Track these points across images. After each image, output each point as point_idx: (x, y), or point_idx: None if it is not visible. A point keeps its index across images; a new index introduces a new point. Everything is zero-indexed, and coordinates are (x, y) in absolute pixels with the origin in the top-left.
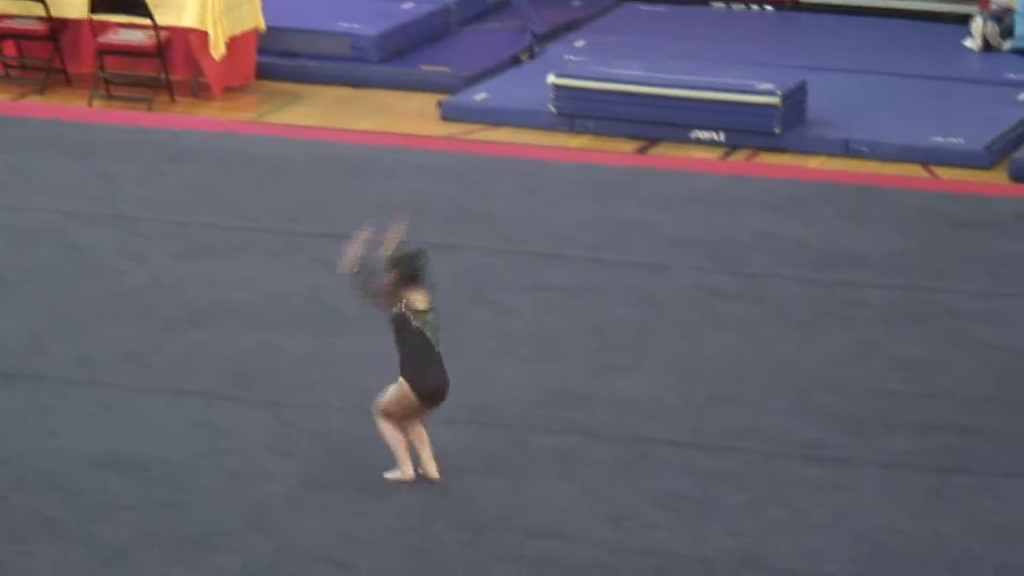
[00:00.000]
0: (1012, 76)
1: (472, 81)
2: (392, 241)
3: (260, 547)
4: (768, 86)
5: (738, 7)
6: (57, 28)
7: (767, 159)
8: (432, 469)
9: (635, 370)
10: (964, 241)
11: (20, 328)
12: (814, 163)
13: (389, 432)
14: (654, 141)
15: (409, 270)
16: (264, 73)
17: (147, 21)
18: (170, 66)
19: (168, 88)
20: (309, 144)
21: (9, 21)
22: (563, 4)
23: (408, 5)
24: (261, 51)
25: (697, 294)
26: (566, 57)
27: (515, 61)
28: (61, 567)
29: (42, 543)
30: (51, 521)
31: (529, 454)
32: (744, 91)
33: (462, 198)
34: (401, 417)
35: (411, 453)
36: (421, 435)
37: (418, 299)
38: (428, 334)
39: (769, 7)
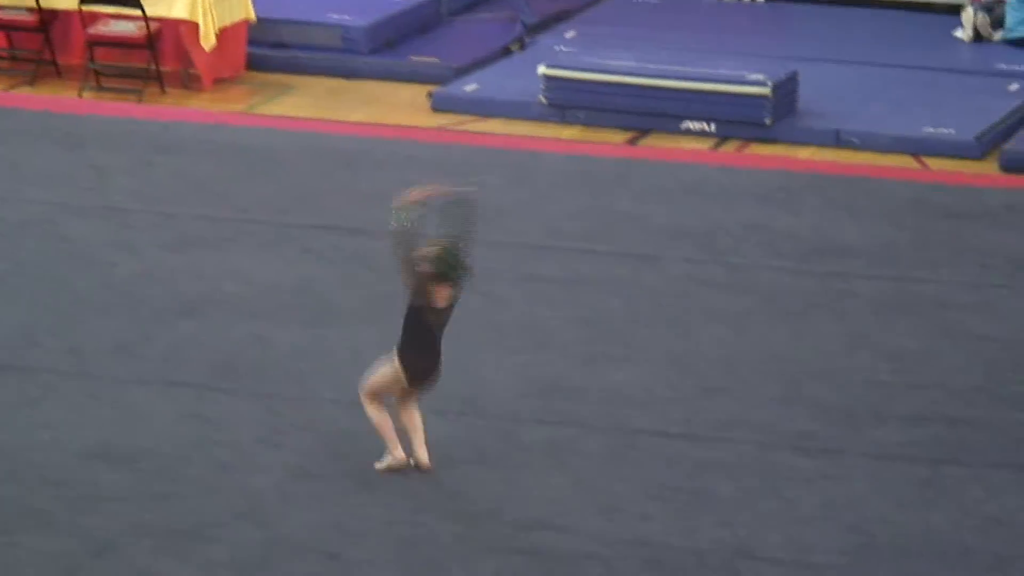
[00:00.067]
0: (1003, 67)
1: (462, 72)
2: (453, 219)
3: (251, 539)
4: (759, 77)
5: None
6: (47, 19)
7: (758, 150)
8: (423, 454)
9: (626, 361)
10: (955, 232)
11: (10, 320)
12: (805, 154)
13: (376, 415)
14: (645, 132)
15: (442, 270)
16: (254, 64)
17: (137, 12)
18: (160, 57)
19: (158, 79)
20: (299, 135)
21: None
22: None
23: None
24: (251, 42)
25: (688, 285)
26: (557, 48)
27: (506, 52)
28: (51, 559)
29: (32, 535)
30: (41, 513)
31: (520, 446)
32: (735, 82)
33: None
34: (386, 393)
35: (403, 442)
36: (414, 418)
37: (442, 297)
38: (436, 332)
39: None
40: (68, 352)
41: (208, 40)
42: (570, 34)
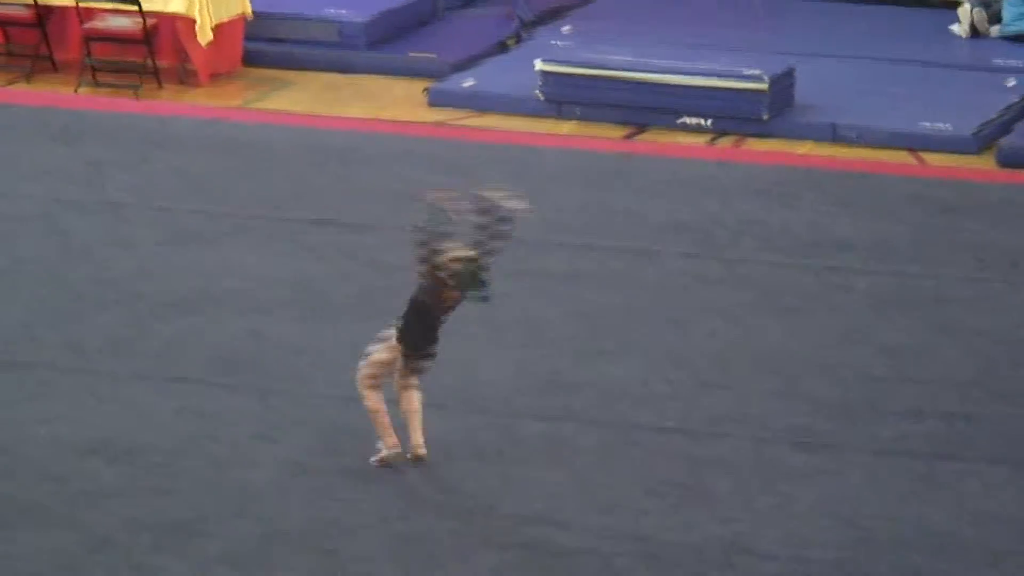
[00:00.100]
0: (1000, 62)
1: (459, 67)
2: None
3: (247, 533)
4: (756, 72)
5: None
6: (44, 14)
7: (755, 145)
8: (419, 440)
9: (623, 356)
10: (952, 227)
11: (7, 315)
12: (802, 149)
13: (371, 401)
14: (642, 127)
15: (461, 285)
16: (251, 59)
17: (134, 7)
18: (157, 52)
19: (155, 75)
20: (296, 131)
21: None
22: None
23: None
24: (248, 37)
25: (685, 280)
26: (553, 43)
27: (502, 47)
28: (48, 554)
29: (29, 530)
30: (38, 508)
31: (517, 440)
32: (732, 77)
33: (449, 184)
34: (384, 374)
35: (401, 435)
36: (413, 401)
37: (452, 299)
38: (439, 323)
39: None
40: (65, 347)
41: (205, 35)
42: (567, 29)
